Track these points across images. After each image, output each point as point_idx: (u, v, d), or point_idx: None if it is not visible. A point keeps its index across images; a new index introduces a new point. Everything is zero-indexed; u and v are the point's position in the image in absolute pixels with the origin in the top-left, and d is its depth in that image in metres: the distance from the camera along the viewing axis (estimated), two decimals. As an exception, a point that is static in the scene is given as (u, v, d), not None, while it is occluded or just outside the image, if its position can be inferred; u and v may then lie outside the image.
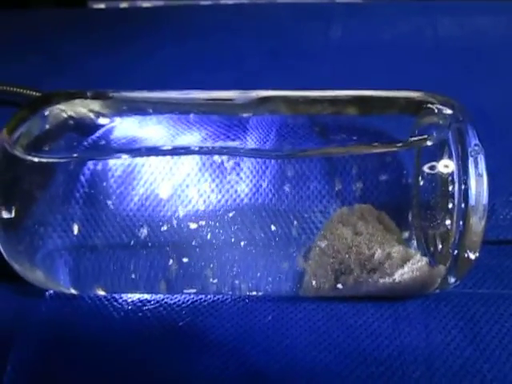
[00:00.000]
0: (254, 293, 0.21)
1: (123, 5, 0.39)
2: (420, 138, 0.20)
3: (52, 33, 0.37)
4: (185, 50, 0.35)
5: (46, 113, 0.22)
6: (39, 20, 0.38)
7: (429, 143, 0.20)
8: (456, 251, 0.19)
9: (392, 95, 0.22)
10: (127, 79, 0.32)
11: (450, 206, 0.19)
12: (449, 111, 0.20)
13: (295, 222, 0.20)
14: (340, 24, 0.36)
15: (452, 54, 0.33)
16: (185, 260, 0.20)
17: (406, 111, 0.22)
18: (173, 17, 0.37)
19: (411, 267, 0.19)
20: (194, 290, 0.21)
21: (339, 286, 0.20)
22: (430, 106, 0.20)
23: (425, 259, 0.19)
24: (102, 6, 0.39)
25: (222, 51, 0.34)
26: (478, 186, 0.18)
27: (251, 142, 0.21)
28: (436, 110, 0.20)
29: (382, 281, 0.19)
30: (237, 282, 0.21)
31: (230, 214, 0.20)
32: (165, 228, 0.20)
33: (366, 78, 0.32)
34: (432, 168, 0.19)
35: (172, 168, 0.21)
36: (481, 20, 0.35)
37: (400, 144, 0.20)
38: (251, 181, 0.20)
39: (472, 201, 0.18)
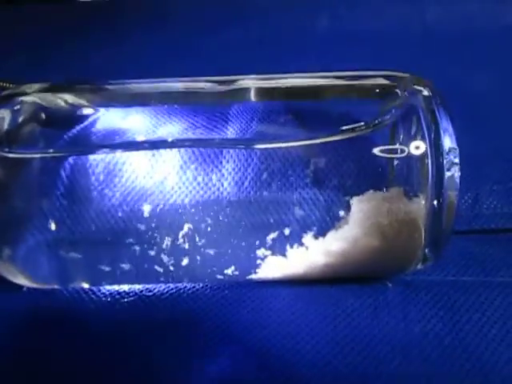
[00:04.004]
0: (236, 282, 0.21)
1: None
2: (381, 120, 0.20)
3: (38, 27, 0.37)
4: (170, 40, 0.34)
5: (20, 105, 0.22)
6: (25, 15, 0.38)
7: (386, 123, 0.19)
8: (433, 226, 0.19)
9: (364, 83, 0.22)
10: (111, 71, 0.32)
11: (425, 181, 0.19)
12: (423, 91, 0.20)
13: (277, 212, 0.20)
14: (327, 13, 0.36)
15: (441, 42, 0.33)
16: (167, 253, 0.20)
17: (378, 95, 0.22)
18: (158, 7, 0.37)
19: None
20: (177, 282, 0.21)
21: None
22: (396, 89, 0.20)
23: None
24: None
25: (207, 41, 0.34)
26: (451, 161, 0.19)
27: (232, 132, 0.21)
28: (404, 93, 0.20)
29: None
30: (219, 272, 0.21)
31: (213, 206, 0.20)
32: (146, 222, 0.20)
33: (354, 66, 0.31)
34: (404, 150, 0.19)
35: (153, 162, 0.20)
36: (469, 7, 0.35)
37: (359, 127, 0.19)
38: (234, 175, 0.20)
39: (446, 176, 0.18)
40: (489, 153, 0.26)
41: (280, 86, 0.22)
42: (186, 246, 0.20)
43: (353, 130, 0.19)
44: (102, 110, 0.22)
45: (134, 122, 0.22)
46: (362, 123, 0.19)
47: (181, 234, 0.20)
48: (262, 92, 0.22)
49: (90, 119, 0.22)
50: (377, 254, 0.20)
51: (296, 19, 0.35)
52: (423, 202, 0.19)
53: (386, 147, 0.19)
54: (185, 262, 0.20)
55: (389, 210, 0.19)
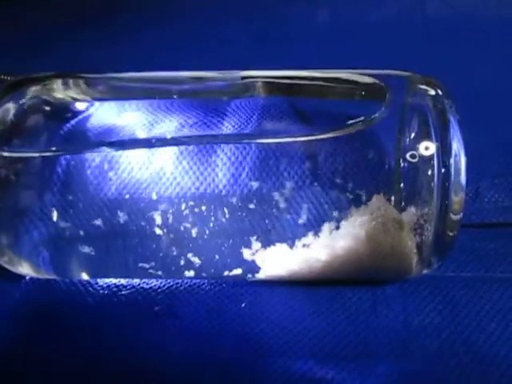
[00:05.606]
0: (229, 274, 0.21)
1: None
2: (373, 116, 0.19)
3: (32, 18, 0.37)
4: (169, 34, 0.34)
5: (20, 97, 0.21)
6: (18, 6, 0.38)
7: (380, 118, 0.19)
8: (437, 230, 0.19)
9: (369, 80, 0.21)
10: (108, 63, 0.31)
11: (431, 185, 0.19)
12: (432, 92, 0.20)
13: (274, 209, 0.20)
14: (327, 6, 0.35)
15: (441, 34, 0.33)
16: (164, 247, 0.20)
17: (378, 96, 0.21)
18: (158, 1, 0.37)
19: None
20: (171, 276, 0.21)
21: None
22: (385, 90, 0.20)
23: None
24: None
25: (207, 34, 0.34)
26: (458, 165, 0.18)
27: (230, 128, 0.21)
28: (392, 93, 0.20)
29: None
30: (213, 266, 0.21)
31: (208, 201, 0.20)
32: (143, 216, 0.20)
33: (355, 59, 0.31)
34: (413, 155, 0.19)
35: (149, 157, 0.20)
36: (470, -1, 0.34)
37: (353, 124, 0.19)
38: (229, 168, 0.20)
39: (452, 178, 0.18)
40: (490, 146, 0.26)
41: (282, 82, 0.21)
42: (185, 238, 0.20)
43: (342, 127, 0.19)
44: (104, 103, 0.22)
45: (132, 116, 0.22)
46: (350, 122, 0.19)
47: (178, 226, 0.20)
48: (264, 87, 0.22)
49: (84, 115, 0.22)
50: (370, 258, 0.19)
51: (297, 12, 0.35)
52: (414, 211, 0.19)
53: (413, 152, 0.19)
54: (182, 254, 0.20)
55: (376, 219, 0.19)
